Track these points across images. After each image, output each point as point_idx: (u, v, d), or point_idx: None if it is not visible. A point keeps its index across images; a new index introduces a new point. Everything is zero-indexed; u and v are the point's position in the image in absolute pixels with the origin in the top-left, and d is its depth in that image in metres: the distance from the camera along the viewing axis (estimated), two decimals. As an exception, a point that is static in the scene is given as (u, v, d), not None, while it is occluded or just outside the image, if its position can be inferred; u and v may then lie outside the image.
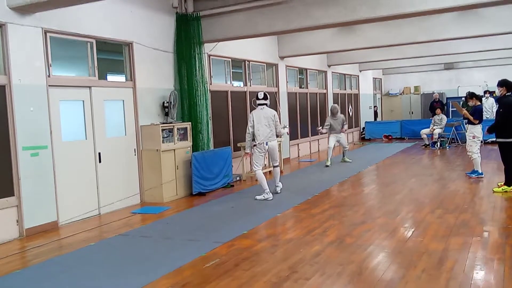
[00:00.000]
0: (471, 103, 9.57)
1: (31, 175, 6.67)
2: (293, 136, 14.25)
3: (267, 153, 8.48)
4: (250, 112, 8.45)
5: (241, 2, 8.94)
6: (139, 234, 6.52)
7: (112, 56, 9.73)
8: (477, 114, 9.36)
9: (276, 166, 8.74)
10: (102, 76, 8.40)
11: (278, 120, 8.48)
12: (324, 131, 12.51)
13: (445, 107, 19.83)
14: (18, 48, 6.53)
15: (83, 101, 7.65)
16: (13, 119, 6.46)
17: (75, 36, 7.47)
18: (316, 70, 16.48)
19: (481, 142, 9.61)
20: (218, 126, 10.73)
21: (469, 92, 9.86)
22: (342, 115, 12.77)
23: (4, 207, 6.42)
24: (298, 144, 14.96)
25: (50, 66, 7.04)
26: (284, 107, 13.57)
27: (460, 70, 22.33)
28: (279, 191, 8.73)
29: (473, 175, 9.47)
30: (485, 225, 6.07)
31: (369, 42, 12.63)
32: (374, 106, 22.58)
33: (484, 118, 9.99)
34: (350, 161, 12.75)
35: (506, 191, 7.88)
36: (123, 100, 8.41)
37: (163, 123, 8.75)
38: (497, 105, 8.35)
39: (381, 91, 24.01)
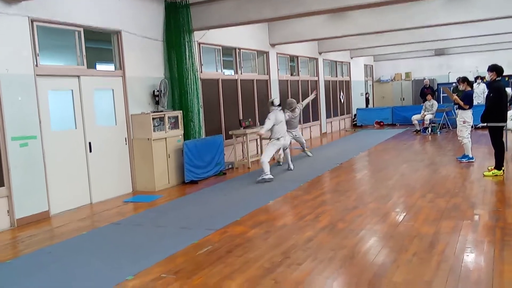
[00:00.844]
0: (461, 87, 9.61)
1: (21, 165, 6.63)
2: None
3: (280, 149, 9.56)
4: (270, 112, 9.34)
5: (230, -11, 8.88)
6: (132, 222, 6.52)
7: (101, 45, 9.63)
8: (467, 99, 9.40)
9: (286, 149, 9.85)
10: (91, 65, 8.32)
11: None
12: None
13: (436, 93, 19.89)
14: (5, 38, 6.44)
15: (72, 90, 7.58)
16: (1, 110, 6.39)
17: (62, 25, 7.37)
18: (307, 57, 16.43)
19: (472, 127, 9.66)
20: (210, 114, 10.68)
21: (461, 76, 9.88)
22: (299, 106, 11.25)
23: (-6, 198, 6.38)
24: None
25: (38, 55, 6.96)
26: (275, 95, 13.52)
27: (450, 56, 22.35)
28: (292, 168, 9.87)
29: (464, 160, 9.53)
30: (476, 209, 6.12)
31: (360, 29, 12.60)
32: (366, 93, 22.59)
33: (475, 103, 10.02)
34: (311, 155, 11.69)
35: (496, 175, 7.95)
36: (113, 89, 8.34)
37: (154, 112, 8.70)
38: (488, 90, 8.37)
39: (373, 77, 24.00)
